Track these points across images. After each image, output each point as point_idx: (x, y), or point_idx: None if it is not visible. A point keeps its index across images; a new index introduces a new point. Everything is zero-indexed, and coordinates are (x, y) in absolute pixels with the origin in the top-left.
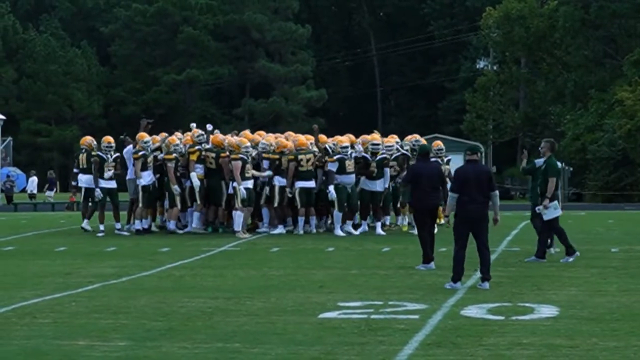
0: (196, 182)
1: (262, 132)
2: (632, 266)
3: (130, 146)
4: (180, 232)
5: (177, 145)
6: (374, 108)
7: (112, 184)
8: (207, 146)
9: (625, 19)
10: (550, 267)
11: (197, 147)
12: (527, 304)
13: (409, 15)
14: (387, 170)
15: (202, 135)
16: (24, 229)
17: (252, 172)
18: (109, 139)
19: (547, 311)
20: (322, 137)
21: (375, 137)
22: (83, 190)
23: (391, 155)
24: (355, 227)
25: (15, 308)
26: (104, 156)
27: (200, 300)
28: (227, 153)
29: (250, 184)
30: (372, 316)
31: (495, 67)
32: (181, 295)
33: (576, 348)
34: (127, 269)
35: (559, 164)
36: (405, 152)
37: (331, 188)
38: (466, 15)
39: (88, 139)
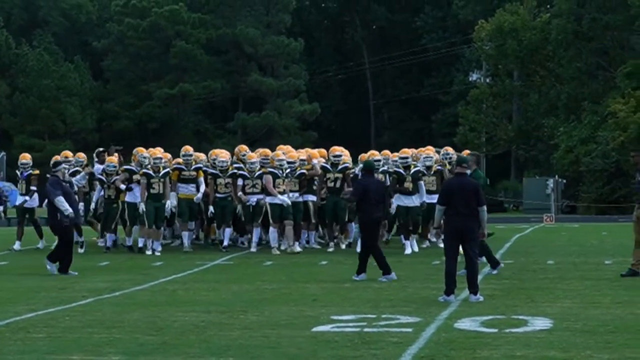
0: (172, 202)
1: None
2: (625, 278)
3: (99, 166)
4: (149, 252)
5: (158, 158)
6: (367, 121)
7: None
8: (198, 165)
9: (618, 31)
10: (544, 279)
11: (175, 167)
12: (520, 317)
13: (401, 29)
14: (422, 184)
15: (189, 155)
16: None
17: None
18: (66, 153)
19: (540, 323)
20: (322, 151)
21: (406, 150)
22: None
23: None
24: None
25: (8, 323)
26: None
27: (194, 314)
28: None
29: (282, 199)
30: (366, 329)
31: (488, 80)
32: (175, 309)
33: None
34: (121, 284)
35: (483, 177)
36: (439, 167)
37: None
38: (459, 29)
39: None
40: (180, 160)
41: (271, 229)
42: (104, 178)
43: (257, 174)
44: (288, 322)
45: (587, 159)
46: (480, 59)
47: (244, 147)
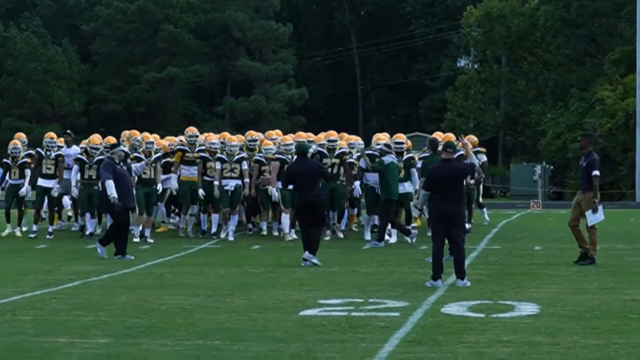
0: (174, 185)
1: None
2: (612, 264)
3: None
4: (136, 240)
5: (150, 143)
6: (355, 106)
7: (49, 183)
8: (200, 148)
9: (606, 18)
10: (531, 265)
11: (179, 147)
12: (507, 302)
13: (390, 14)
14: (415, 171)
15: (195, 136)
16: (4, 226)
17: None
18: (51, 134)
19: (527, 309)
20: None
21: (400, 135)
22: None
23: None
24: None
25: None
26: (43, 153)
27: (181, 297)
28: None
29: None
30: (353, 313)
31: (476, 66)
32: (162, 292)
33: (557, 346)
34: (108, 267)
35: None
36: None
37: (357, 184)
38: (447, 14)
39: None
40: (172, 140)
41: (283, 214)
42: (85, 158)
43: (236, 158)
44: (275, 306)
45: (574, 145)
46: (468, 45)
47: (253, 132)
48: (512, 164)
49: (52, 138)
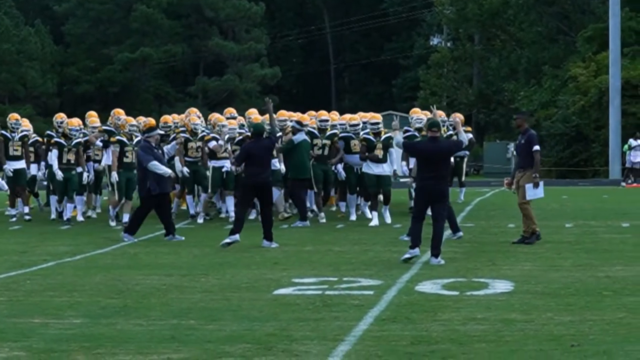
0: (178, 167)
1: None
2: (586, 241)
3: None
4: (112, 223)
5: (134, 125)
6: (328, 85)
7: (17, 165)
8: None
9: None
10: (505, 242)
11: (181, 128)
12: (481, 279)
13: None
14: (393, 151)
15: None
16: None
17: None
18: (15, 116)
19: (501, 286)
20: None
21: (376, 116)
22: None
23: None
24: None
25: None
26: (9, 135)
27: (155, 277)
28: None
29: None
30: (327, 292)
31: (449, 44)
32: (136, 272)
33: (531, 322)
34: (82, 247)
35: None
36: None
37: (340, 167)
38: None
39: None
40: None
41: (275, 191)
42: (63, 142)
43: (226, 137)
44: (249, 285)
45: (547, 123)
46: (441, 23)
47: (232, 109)
48: (486, 142)
49: (16, 120)
